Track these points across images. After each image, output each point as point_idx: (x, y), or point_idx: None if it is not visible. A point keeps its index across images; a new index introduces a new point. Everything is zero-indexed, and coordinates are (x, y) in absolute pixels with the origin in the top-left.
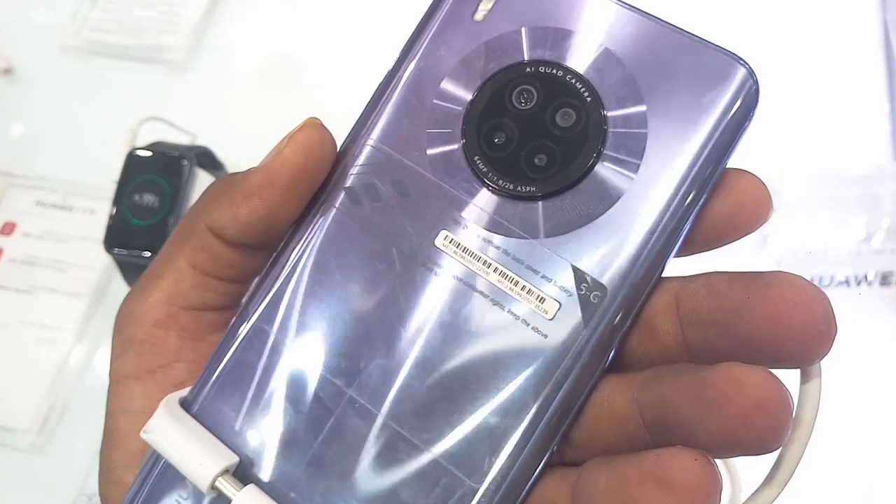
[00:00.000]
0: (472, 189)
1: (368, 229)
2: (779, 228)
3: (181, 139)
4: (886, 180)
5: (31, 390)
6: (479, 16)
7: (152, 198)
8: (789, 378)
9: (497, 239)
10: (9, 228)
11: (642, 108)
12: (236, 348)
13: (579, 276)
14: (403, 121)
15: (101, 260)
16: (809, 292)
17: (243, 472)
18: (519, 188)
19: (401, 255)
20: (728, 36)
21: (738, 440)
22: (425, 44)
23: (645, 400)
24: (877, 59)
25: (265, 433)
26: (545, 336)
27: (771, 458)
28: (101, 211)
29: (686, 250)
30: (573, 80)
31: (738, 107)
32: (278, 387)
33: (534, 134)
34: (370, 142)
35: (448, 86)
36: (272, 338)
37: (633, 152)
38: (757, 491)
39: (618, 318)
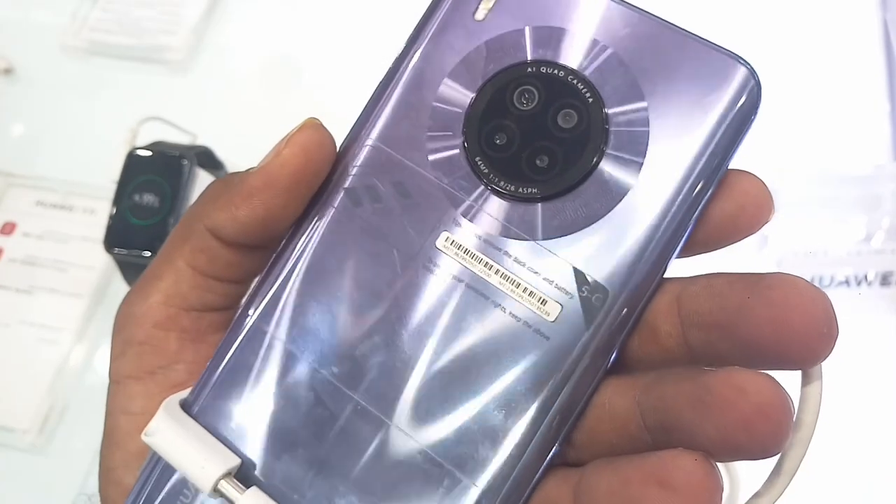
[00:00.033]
0: (474, 190)
1: (369, 230)
2: (779, 228)
3: (181, 139)
4: (886, 180)
5: (31, 390)
6: (479, 15)
7: (152, 198)
8: (789, 380)
9: (498, 240)
10: (9, 228)
11: (644, 109)
12: (236, 349)
13: (581, 277)
14: (404, 121)
15: (101, 260)
16: (811, 294)
17: (245, 475)
18: (520, 189)
19: (401, 256)
20: (728, 36)
21: (738, 445)
22: (426, 43)
23: (646, 403)
24: (877, 59)
25: (266, 435)
26: (547, 338)
27: (771, 459)
28: (101, 211)
29: (687, 252)
30: (575, 81)
31: (741, 108)
32: (279, 388)
33: (535, 135)
34: (370, 142)
35: (449, 86)
36: (272, 339)
37: (635, 154)
38: (758, 493)
39: (619, 319)
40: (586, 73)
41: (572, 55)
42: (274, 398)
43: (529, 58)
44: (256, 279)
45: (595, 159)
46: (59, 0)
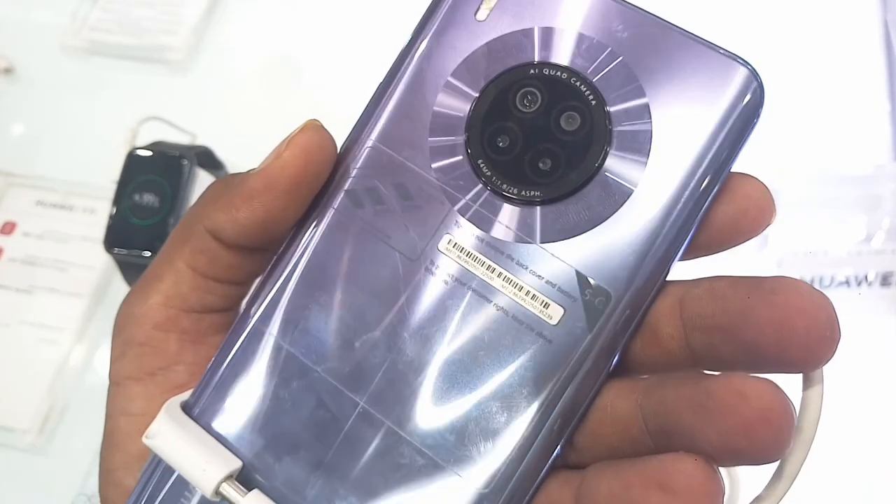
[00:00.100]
0: (476, 192)
1: (370, 232)
2: (779, 229)
3: (181, 139)
4: (886, 180)
5: (31, 390)
6: (481, 15)
7: (152, 197)
8: (790, 382)
9: (501, 243)
10: (9, 228)
11: (648, 112)
12: (237, 351)
13: (583, 280)
14: (405, 122)
15: (101, 260)
16: (814, 298)
17: (247, 477)
18: (523, 192)
19: (403, 258)
20: (728, 36)
21: (739, 450)
22: (427, 43)
23: (648, 406)
24: (877, 59)
25: (268, 437)
26: (549, 341)
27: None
28: (101, 211)
29: (689, 254)
30: (577, 83)
31: (744, 110)
32: (280, 391)
33: (538, 137)
34: (371, 143)
35: (450, 87)
36: (273, 341)
37: (638, 157)
38: (759, 497)
39: (622, 322)
40: (589, 74)
41: (575, 56)
42: (275, 400)
43: (532, 59)
44: (257, 281)
45: (598, 162)
46: (59, 0)
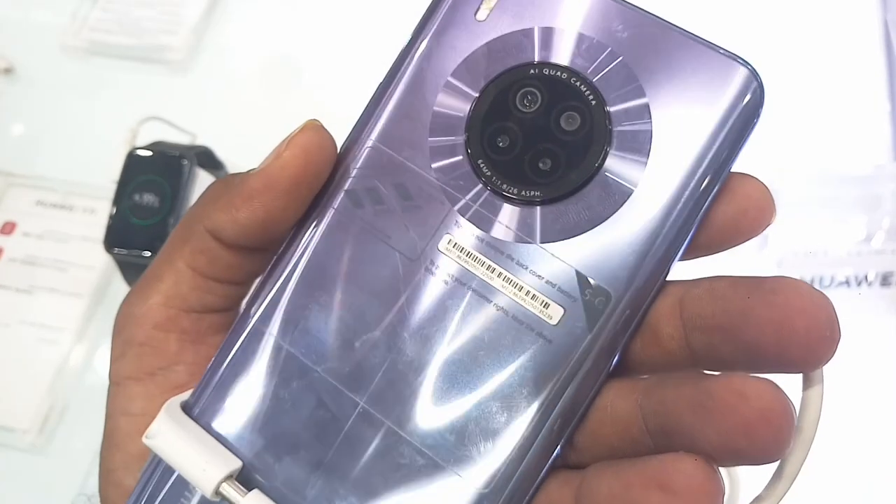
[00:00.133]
0: (476, 192)
1: (370, 233)
2: (779, 229)
3: (181, 139)
4: (887, 180)
5: (31, 390)
6: (481, 15)
7: (152, 197)
8: (790, 382)
9: (501, 243)
10: (9, 228)
11: (648, 112)
12: (237, 351)
13: (583, 281)
14: (405, 122)
15: (101, 260)
16: (814, 298)
17: (247, 477)
18: (523, 192)
19: (403, 258)
20: (728, 36)
21: (739, 450)
22: (427, 43)
23: (648, 406)
24: (877, 59)
25: (268, 437)
26: (549, 341)
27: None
28: (101, 211)
29: (689, 254)
30: (577, 83)
31: (744, 110)
32: (280, 391)
33: (538, 137)
34: (371, 143)
35: (450, 87)
36: (273, 341)
37: (638, 158)
38: (759, 497)
39: (622, 322)
40: (589, 74)
41: (575, 56)
42: (275, 400)
43: (532, 59)
44: (257, 280)
45: (598, 163)
46: (59, 0)
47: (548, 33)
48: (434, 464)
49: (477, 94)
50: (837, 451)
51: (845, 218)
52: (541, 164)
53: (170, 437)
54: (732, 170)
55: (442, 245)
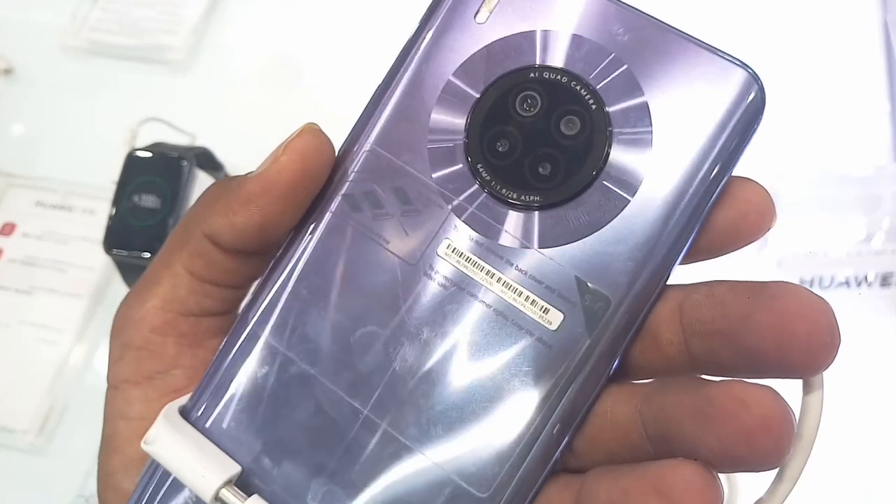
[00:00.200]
0: (475, 197)
1: (369, 237)
2: (779, 229)
3: (181, 140)
4: (887, 181)
5: (31, 390)
6: (481, 17)
7: (152, 198)
8: (789, 387)
9: (500, 248)
10: (9, 229)
11: (648, 116)
12: (235, 356)
13: (583, 286)
14: (404, 126)
15: (101, 260)
16: (814, 303)
17: (246, 482)
18: (522, 197)
19: (402, 263)
20: (728, 37)
21: (739, 457)
22: (426, 45)
23: (648, 412)
24: (877, 59)
25: (267, 442)
26: (549, 346)
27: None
28: (101, 211)
29: (689, 259)
30: (578, 87)
31: (745, 114)
32: (278, 395)
33: (538, 141)
34: (370, 147)
35: (450, 90)
36: (271, 346)
37: (637, 163)
38: (760, 500)
39: (621, 328)
40: (589, 78)
41: (575, 59)
42: (274, 405)
43: (532, 62)
44: (255, 284)
45: (598, 168)
46: (59, 0)
47: (548, 36)
48: (433, 469)
49: (476, 98)
50: (837, 451)
51: (845, 218)
52: (540, 169)
53: (168, 442)
54: (733, 174)
55: (441, 250)
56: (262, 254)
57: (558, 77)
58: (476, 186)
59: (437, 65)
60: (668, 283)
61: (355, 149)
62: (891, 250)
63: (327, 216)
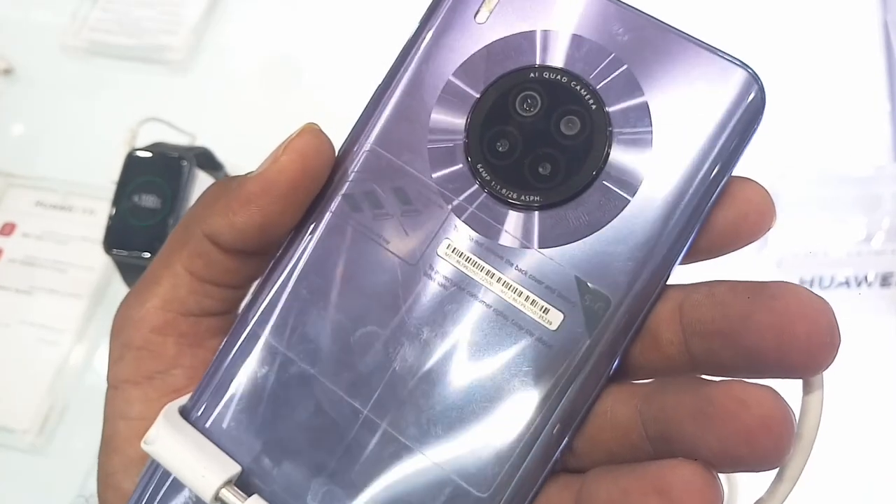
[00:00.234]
0: (475, 197)
1: (369, 237)
2: (779, 229)
3: (181, 140)
4: (887, 181)
5: (31, 390)
6: (481, 17)
7: (152, 199)
8: (789, 387)
9: (500, 248)
10: (8, 229)
11: (648, 116)
12: (235, 356)
13: (583, 286)
14: (404, 126)
15: (101, 260)
16: (814, 303)
17: (246, 482)
18: (522, 197)
19: (402, 263)
20: (728, 37)
21: (739, 457)
22: (426, 45)
23: (648, 412)
24: (877, 59)
25: (267, 442)
26: (549, 346)
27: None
28: (101, 211)
29: (689, 259)
30: (578, 87)
31: (745, 114)
32: (278, 395)
33: (538, 141)
34: (369, 147)
35: (450, 90)
36: (271, 346)
37: (637, 163)
38: (760, 500)
39: (621, 328)
40: (589, 78)
41: (575, 59)
42: (274, 405)
43: (532, 62)
44: (255, 284)
45: (598, 168)
46: (59, 0)
47: (548, 36)
48: (433, 469)
49: (476, 98)
50: (837, 451)
51: (845, 218)
52: (540, 169)
53: (168, 442)
54: (733, 173)
55: (441, 250)
56: (262, 254)
57: (558, 77)
58: (476, 186)
59: (437, 65)
60: (668, 283)
61: (355, 149)
62: (891, 250)
63: (327, 216)
